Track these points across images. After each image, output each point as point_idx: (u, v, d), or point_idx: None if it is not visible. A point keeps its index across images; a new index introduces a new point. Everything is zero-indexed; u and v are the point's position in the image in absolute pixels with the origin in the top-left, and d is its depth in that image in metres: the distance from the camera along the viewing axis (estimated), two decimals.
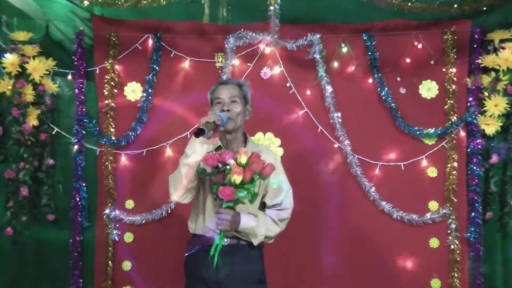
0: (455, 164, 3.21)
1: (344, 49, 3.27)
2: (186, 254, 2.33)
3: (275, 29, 2.98)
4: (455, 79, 3.22)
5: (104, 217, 3.26)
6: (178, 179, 2.19)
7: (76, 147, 3.25)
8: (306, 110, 3.28)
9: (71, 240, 3.22)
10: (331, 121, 3.26)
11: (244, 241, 2.24)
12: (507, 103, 3.10)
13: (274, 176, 2.24)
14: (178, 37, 3.31)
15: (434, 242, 3.22)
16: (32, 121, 3.12)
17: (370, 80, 3.28)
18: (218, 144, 2.32)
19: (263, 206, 2.35)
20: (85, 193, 3.27)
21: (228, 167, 2.02)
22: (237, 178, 1.99)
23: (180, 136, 3.29)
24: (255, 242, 2.24)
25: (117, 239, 3.26)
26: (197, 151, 2.12)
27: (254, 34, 3.24)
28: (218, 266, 2.12)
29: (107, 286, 3.24)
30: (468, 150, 3.21)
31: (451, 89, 3.22)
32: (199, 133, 2.03)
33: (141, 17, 3.28)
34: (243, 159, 2.02)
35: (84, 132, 3.27)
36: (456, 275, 3.18)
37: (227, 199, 2.02)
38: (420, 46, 3.23)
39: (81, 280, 3.25)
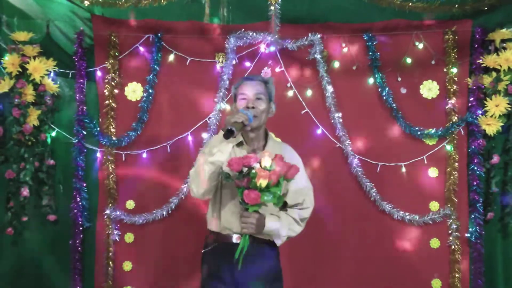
0: (456, 164, 3.21)
1: (345, 49, 3.27)
2: (202, 251, 2.32)
3: (276, 29, 2.98)
4: (456, 79, 3.22)
5: (105, 217, 3.26)
6: (201, 177, 2.13)
7: (76, 147, 3.24)
8: (307, 110, 3.28)
9: (71, 241, 3.22)
10: (332, 121, 3.26)
11: (261, 240, 2.22)
12: (508, 103, 3.09)
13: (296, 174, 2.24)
14: (178, 37, 3.31)
15: (435, 243, 3.22)
16: (33, 121, 3.12)
17: (371, 80, 3.28)
18: (239, 140, 2.28)
19: (283, 205, 2.32)
20: (85, 193, 3.27)
21: (253, 171, 1.99)
22: (263, 182, 1.96)
23: (180, 136, 3.29)
24: (279, 243, 2.24)
25: (117, 240, 3.26)
26: (223, 149, 2.10)
27: (254, 34, 3.23)
28: (235, 264, 2.10)
29: (108, 287, 3.25)
30: (469, 150, 3.20)
31: (452, 89, 3.22)
32: (228, 134, 2.01)
33: (142, 17, 3.28)
34: (267, 163, 2.00)
35: (84, 132, 3.27)
36: (457, 275, 3.18)
37: (252, 203, 1.99)
38: (421, 46, 3.23)
39: (81, 281, 3.25)
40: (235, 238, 2.21)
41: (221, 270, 2.20)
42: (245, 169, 2.03)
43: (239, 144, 2.28)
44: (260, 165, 2.01)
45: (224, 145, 2.09)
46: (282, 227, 2.21)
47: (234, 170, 2.03)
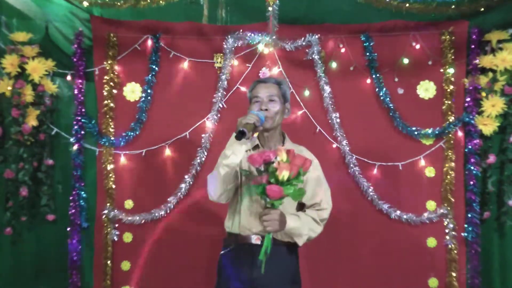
0: (453, 164, 3.22)
1: (343, 50, 3.29)
2: (221, 253, 2.31)
3: (274, 30, 2.99)
4: (452, 79, 3.24)
5: (103, 217, 3.27)
6: (217, 180, 2.15)
7: (75, 147, 3.25)
8: (304, 111, 3.30)
9: (69, 240, 3.23)
10: (330, 121, 3.28)
11: (280, 241, 2.21)
12: (504, 103, 3.11)
13: (313, 175, 2.24)
14: (177, 38, 3.32)
15: (431, 242, 3.23)
16: (32, 121, 3.13)
17: (368, 81, 3.30)
18: (256, 143, 2.28)
19: (300, 207, 2.33)
20: (84, 193, 3.28)
21: (273, 165, 1.98)
22: (285, 174, 1.95)
23: (179, 137, 3.30)
24: (300, 242, 2.22)
25: (116, 239, 3.27)
26: (237, 152, 2.10)
27: (252, 34, 3.25)
28: (253, 265, 2.10)
29: (106, 286, 3.25)
30: (466, 150, 3.22)
31: (448, 90, 3.24)
32: (240, 136, 2.01)
33: (140, 18, 3.29)
34: (284, 157, 2.00)
35: (83, 133, 3.28)
36: (453, 274, 3.20)
37: (276, 197, 1.97)
38: (418, 46, 3.25)
39: (80, 280, 3.25)
40: (254, 239, 2.20)
41: (240, 271, 2.19)
42: (263, 166, 2.02)
43: (255, 148, 2.28)
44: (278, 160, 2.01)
45: (237, 147, 2.10)
46: (303, 226, 2.20)
47: (255, 165, 2.02)
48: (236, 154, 2.11)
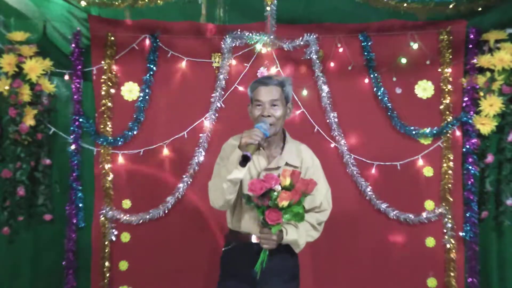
0: (451, 163, 3.22)
1: (341, 50, 3.29)
2: (223, 249, 2.33)
3: (272, 30, 3.00)
4: (450, 79, 3.24)
5: (101, 217, 3.27)
6: (219, 192, 2.13)
7: (73, 147, 3.25)
8: (302, 110, 3.30)
9: (66, 240, 3.23)
10: (328, 121, 3.28)
11: None
12: (502, 103, 3.11)
13: (313, 177, 2.22)
14: (175, 37, 3.32)
15: (430, 241, 3.23)
16: (29, 121, 3.12)
17: (366, 80, 3.30)
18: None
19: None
20: (81, 193, 3.27)
21: (275, 193, 1.99)
22: (285, 203, 1.97)
23: (177, 136, 3.30)
24: (297, 250, 2.25)
25: (113, 239, 3.27)
26: (240, 167, 2.07)
27: (251, 34, 3.25)
28: (253, 263, 2.11)
29: (104, 286, 3.25)
30: (464, 149, 3.22)
31: (446, 89, 3.24)
32: (244, 162, 1.99)
33: (138, 17, 3.28)
34: (287, 182, 2.01)
35: (81, 132, 3.28)
36: (452, 274, 3.20)
37: (275, 223, 2.00)
38: (416, 46, 3.25)
39: (77, 280, 3.25)
40: (254, 238, 2.21)
41: (240, 268, 2.21)
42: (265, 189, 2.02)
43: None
44: (280, 185, 2.01)
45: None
46: (300, 236, 2.21)
47: (256, 194, 2.02)
48: (240, 170, 2.08)
